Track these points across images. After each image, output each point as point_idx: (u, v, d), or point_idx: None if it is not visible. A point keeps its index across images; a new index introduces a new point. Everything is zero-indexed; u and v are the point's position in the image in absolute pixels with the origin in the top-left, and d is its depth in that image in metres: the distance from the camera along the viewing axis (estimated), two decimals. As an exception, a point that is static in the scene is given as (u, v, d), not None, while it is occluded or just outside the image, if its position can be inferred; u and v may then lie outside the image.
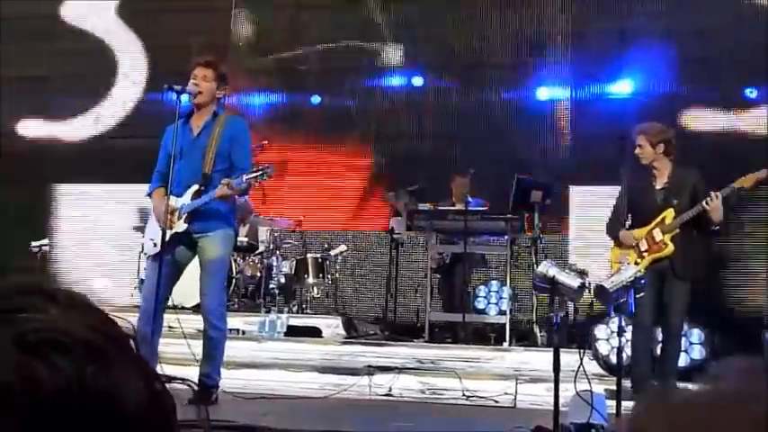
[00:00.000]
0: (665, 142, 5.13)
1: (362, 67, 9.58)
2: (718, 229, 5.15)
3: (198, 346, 4.69)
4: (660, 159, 5.15)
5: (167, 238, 4.52)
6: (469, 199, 7.61)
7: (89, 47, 10.01)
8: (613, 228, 5.30)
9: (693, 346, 5.90)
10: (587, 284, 3.85)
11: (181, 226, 4.56)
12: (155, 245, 4.58)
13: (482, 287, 8.12)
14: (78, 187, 9.92)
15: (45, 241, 8.58)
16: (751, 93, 8.46)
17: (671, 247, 5.02)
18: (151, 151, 4.99)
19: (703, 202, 4.93)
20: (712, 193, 4.94)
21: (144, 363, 0.61)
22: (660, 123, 5.45)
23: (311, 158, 9.52)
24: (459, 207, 7.51)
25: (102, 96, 10.00)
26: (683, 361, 5.56)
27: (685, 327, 6.16)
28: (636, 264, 4.89)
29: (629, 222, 5.29)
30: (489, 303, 8.05)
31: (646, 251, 5.07)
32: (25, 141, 9.97)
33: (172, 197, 4.59)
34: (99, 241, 9.57)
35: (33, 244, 8.41)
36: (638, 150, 5.17)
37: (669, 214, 5.07)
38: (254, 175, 4.42)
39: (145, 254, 4.81)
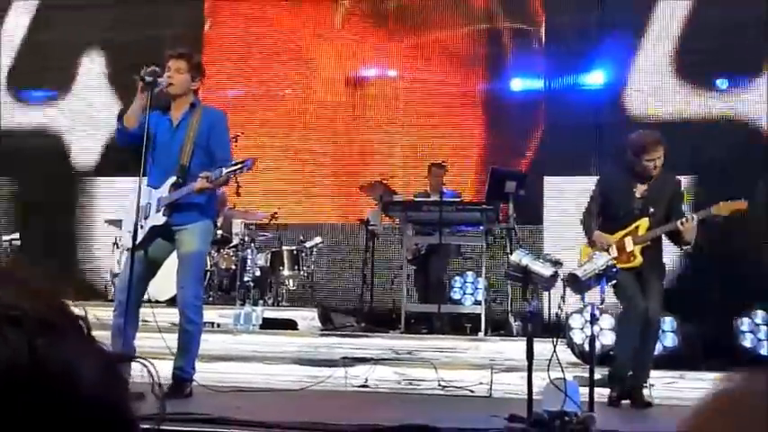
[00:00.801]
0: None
1: (332, 57, 9.56)
2: (689, 247, 5.20)
3: (172, 340, 4.66)
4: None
5: (146, 230, 4.49)
6: (444, 190, 7.67)
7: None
8: (588, 225, 5.25)
9: (666, 333, 5.96)
10: (560, 273, 3.87)
11: (159, 219, 4.52)
12: (132, 237, 4.54)
13: (457, 278, 8.16)
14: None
15: (15, 235, 8.47)
16: (722, 84, 8.55)
17: (639, 260, 5.04)
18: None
19: (678, 223, 4.93)
20: (688, 215, 4.96)
21: (95, 341, 0.61)
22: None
23: (285, 148, 9.49)
24: (434, 198, 7.54)
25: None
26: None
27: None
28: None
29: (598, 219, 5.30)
30: (465, 294, 8.10)
31: (614, 259, 4.97)
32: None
33: (150, 189, 4.55)
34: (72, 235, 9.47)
35: (3, 238, 8.30)
36: (659, 162, 5.05)
37: (643, 224, 5.07)
38: (233, 168, 4.40)
39: (121, 247, 4.76)
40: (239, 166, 4.39)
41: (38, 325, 0.57)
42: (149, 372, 0.69)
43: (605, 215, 5.22)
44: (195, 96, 4.75)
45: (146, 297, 6.25)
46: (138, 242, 4.46)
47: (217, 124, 4.67)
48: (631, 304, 5.03)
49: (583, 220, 5.32)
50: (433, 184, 7.87)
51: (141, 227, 4.51)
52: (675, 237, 5.07)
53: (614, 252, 5.02)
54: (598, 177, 5.53)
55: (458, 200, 7.53)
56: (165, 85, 4.54)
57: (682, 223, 4.90)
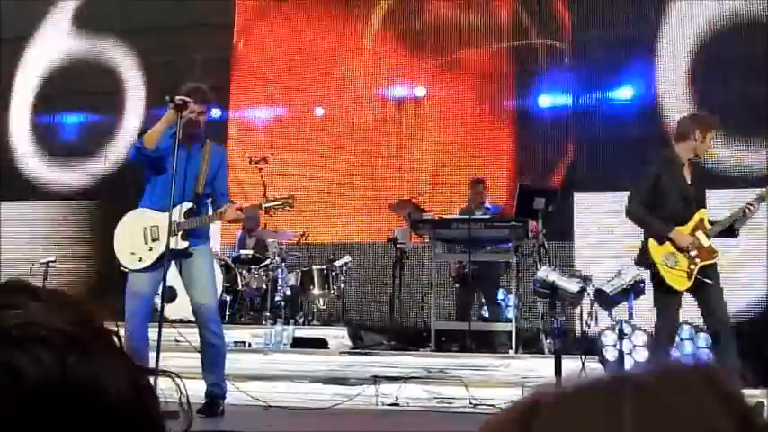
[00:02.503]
0: None
1: (361, 78, 9.64)
2: (738, 234, 5.00)
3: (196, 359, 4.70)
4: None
5: (160, 253, 4.55)
6: (488, 205, 7.65)
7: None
8: (648, 218, 4.84)
9: (701, 350, 5.89)
10: (588, 289, 3.83)
11: (181, 244, 4.60)
12: (140, 259, 4.60)
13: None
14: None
15: (52, 258, 8.62)
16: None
17: (718, 254, 4.80)
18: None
19: (746, 209, 4.79)
20: (753, 202, 4.80)
21: (127, 356, 0.63)
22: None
23: (315, 167, 9.57)
24: (477, 215, 7.55)
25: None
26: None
27: (692, 331, 6.16)
28: (690, 269, 4.70)
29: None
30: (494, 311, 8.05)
31: (697, 257, 4.74)
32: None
33: (155, 213, 4.62)
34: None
35: (40, 261, 8.46)
36: (712, 143, 4.95)
37: (704, 215, 4.85)
38: (273, 204, 4.58)
39: (123, 268, 4.78)
40: (279, 202, 4.59)
41: (67, 343, 0.58)
42: (177, 385, 0.71)
43: (656, 206, 4.85)
44: (204, 128, 4.87)
45: (177, 317, 6.38)
46: (150, 263, 4.55)
47: (224, 161, 4.90)
48: (664, 330, 4.80)
49: (638, 215, 4.90)
50: (475, 200, 7.87)
51: (151, 249, 4.58)
52: (730, 225, 4.87)
53: (694, 250, 4.75)
54: (650, 163, 5.12)
55: (486, 217, 7.50)
56: (189, 121, 4.60)
57: (749, 209, 4.75)
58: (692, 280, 4.73)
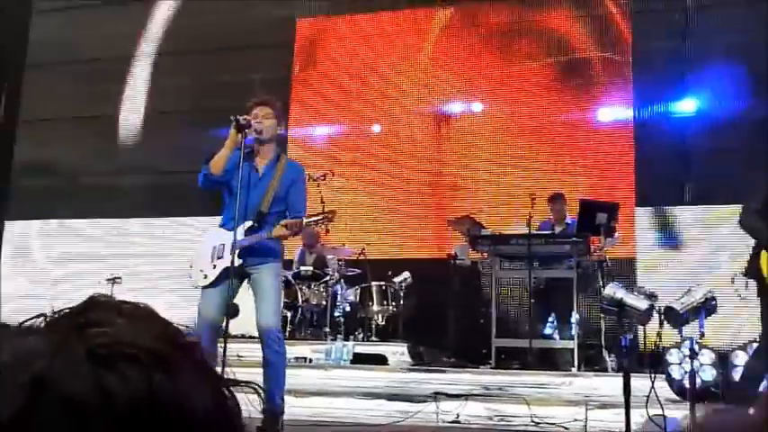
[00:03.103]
0: None
1: (419, 94, 9.67)
2: None
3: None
4: None
5: (220, 271, 4.62)
6: (569, 220, 7.59)
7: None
8: (763, 227, 4.48)
9: None
10: (656, 306, 3.75)
11: (236, 260, 4.66)
12: (205, 276, 4.68)
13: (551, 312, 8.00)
14: (146, 221, 10.27)
15: (118, 273, 8.82)
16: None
17: None
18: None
19: None
20: None
21: (209, 367, 0.63)
22: None
23: (374, 184, 9.61)
24: (558, 230, 7.51)
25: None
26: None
27: None
28: None
29: None
30: (557, 329, 7.94)
31: None
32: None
33: (220, 231, 4.71)
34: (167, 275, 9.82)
35: (106, 277, 8.67)
36: None
37: None
38: (314, 219, 4.56)
39: (193, 284, 4.87)
40: (319, 218, 4.56)
41: (153, 360, 0.59)
42: (261, 398, 0.72)
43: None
44: (279, 145, 4.91)
45: (240, 332, 6.45)
46: (211, 282, 4.61)
47: (298, 179, 4.84)
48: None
49: (750, 224, 4.57)
50: (555, 216, 7.82)
51: (215, 266, 4.65)
52: None
53: None
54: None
55: (545, 233, 7.42)
56: (257, 131, 4.68)
57: None
58: None
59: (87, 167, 10.74)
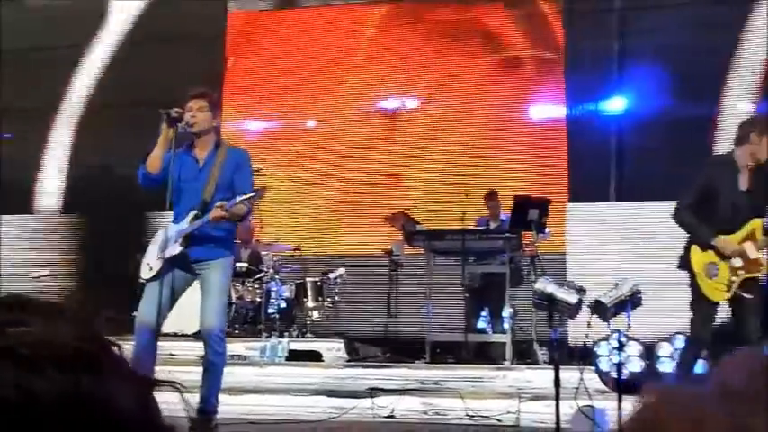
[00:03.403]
0: None
1: (355, 90, 9.68)
2: None
3: (195, 373, 4.68)
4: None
5: (163, 261, 4.55)
6: (503, 217, 7.72)
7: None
8: (694, 224, 4.60)
9: None
10: (585, 300, 3.85)
11: (175, 249, 4.59)
12: (150, 269, 4.61)
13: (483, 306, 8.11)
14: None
15: (45, 271, 8.58)
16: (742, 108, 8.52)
17: (765, 268, 4.51)
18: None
19: None
20: None
21: (130, 368, 0.62)
22: None
23: (310, 180, 9.57)
24: (492, 226, 7.63)
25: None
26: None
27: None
28: (731, 281, 4.48)
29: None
30: (490, 323, 8.05)
31: (740, 269, 4.49)
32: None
33: (171, 225, 4.64)
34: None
35: (34, 274, 8.42)
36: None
37: (758, 225, 4.53)
38: (247, 196, 4.45)
39: (141, 279, 4.81)
40: (251, 194, 4.47)
41: (78, 361, 0.58)
42: (182, 398, 0.71)
43: (706, 212, 4.60)
44: (218, 135, 4.84)
45: (172, 330, 6.35)
46: (154, 274, 4.53)
47: (242, 164, 4.76)
48: (697, 339, 4.63)
49: (684, 220, 4.66)
50: (490, 213, 7.93)
51: (159, 258, 4.58)
52: None
53: (739, 261, 4.50)
54: (704, 167, 4.88)
55: (480, 228, 7.54)
56: (189, 124, 4.62)
57: None
58: (731, 292, 4.52)
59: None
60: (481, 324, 7.83)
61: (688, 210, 4.64)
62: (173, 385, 0.65)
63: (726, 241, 4.52)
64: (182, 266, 4.64)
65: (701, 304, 4.57)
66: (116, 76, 10.21)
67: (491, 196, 7.97)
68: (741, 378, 0.59)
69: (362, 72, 9.70)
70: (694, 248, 4.61)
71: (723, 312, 4.74)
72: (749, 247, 4.50)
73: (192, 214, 4.61)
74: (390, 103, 9.64)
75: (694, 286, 4.59)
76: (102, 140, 9.96)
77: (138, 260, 4.84)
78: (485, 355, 7.29)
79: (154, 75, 9.75)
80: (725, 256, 4.52)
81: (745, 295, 4.47)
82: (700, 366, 5.46)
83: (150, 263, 4.64)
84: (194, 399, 4.52)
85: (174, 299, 4.70)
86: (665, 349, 5.83)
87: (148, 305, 4.50)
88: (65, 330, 0.60)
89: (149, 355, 4.48)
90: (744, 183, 4.61)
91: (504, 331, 7.20)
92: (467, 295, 7.55)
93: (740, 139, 4.62)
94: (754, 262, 4.50)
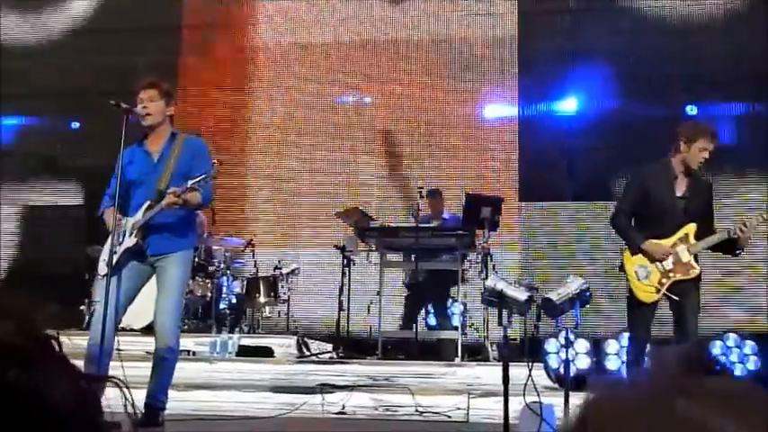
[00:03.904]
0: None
1: (311, 84, 9.64)
2: (742, 252, 4.80)
3: (143, 369, 4.61)
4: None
5: (119, 254, 4.46)
6: (446, 215, 7.75)
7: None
8: (627, 229, 4.78)
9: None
10: (535, 298, 3.90)
11: (131, 241, 4.50)
12: (107, 264, 4.50)
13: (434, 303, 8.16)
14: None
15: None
16: (691, 110, 8.72)
17: (697, 270, 4.67)
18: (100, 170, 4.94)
19: (738, 228, 4.58)
20: (748, 221, 4.62)
21: (68, 362, 0.61)
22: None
23: (262, 175, 9.51)
24: (434, 223, 7.63)
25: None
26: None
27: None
28: (661, 283, 4.62)
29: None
30: (442, 319, 8.10)
31: (671, 271, 4.64)
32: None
33: (128, 219, 4.54)
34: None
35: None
36: (706, 155, 4.65)
37: (691, 230, 4.67)
38: (198, 179, 4.35)
39: (98, 274, 4.70)
40: (202, 176, 4.36)
41: (10, 355, 0.57)
42: (124, 394, 0.69)
43: (642, 216, 4.78)
44: (172, 125, 4.74)
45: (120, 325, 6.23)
46: (112, 267, 4.42)
47: (199, 153, 4.66)
48: (636, 339, 4.78)
49: (618, 225, 4.83)
50: (432, 211, 7.96)
51: (115, 252, 4.47)
52: (728, 243, 4.66)
53: (669, 265, 4.64)
54: (634, 173, 5.02)
55: (432, 225, 7.58)
56: (141, 115, 4.54)
57: (741, 229, 4.55)
58: (660, 294, 4.65)
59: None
60: (432, 321, 7.88)
61: (622, 215, 4.81)
62: (114, 382, 0.64)
63: (653, 245, 4.67)
64: (140, 260, 4.55)
65: (635, 305, 4.73)
66: (67, 64, 10.00)
67: (433, 194, 8.03)
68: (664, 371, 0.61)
69: (319, 66, 9.66)
70: (626, 253, 4.78)
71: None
72: (681, 251, 4.65)
73: (146, 205, 4.52)
74: (347, 99, 9.62)
75: (628, 290, 4.77)
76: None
77: (90, 254, 4.74)
78: (435, 351, 7.32)
79: (107, 64, 9.59)
80: (654, 260, 4.67)
81: (673, 297, 4.63)
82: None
83: (106, 258, 4.52)
84: (141, 394, 4.46)
85: (132, 294, 4.61)
86: (612, 346, 5.94)
87: (106, 301, 4.39)
88: (0, 325, 0.58)
89: (106, 351, 4.38)
90: (680, 188, 4.74)
91: (455, 328, 7.24)
92: (419, 292, 7.59)
93: (675, 147, 4.75)
94: (685, 265, 4.65)
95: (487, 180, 8.94)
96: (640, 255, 4.70)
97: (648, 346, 4.71)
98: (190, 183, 4.31)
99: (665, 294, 4.66)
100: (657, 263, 4.65)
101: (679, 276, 4.65)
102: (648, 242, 4.68)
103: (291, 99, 9.65)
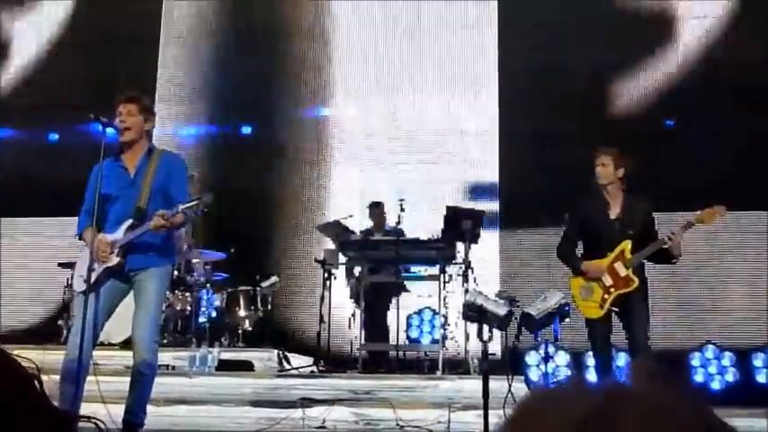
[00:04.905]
0: (625, 168, 5.12)
1: (294, 97, 9.65)
2: (676, 261, 5.14)
3: (121, 384, 4.56)
4: (616, 185, 5.11)
5: (99, 272, 4.42)
6: (387, 227, 7.77)
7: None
8: (569, 256, 5.21)
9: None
10: (515, 311, 3.91)
11: (113, 260, 4.46)
12: (85, 281, 4.45)
13: (415, 316, 8.16)
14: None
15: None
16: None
17: (637, 282, 4.98)
18: (76, 183, 4.90)
19: (666, 238, 4.93)
20: (674, 231, 4.95)
21: (47, 401, 0.61)
22: None
23: (241, 188, 9.47)
24: (377, 236, 7.63)
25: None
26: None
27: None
28: (603, 299, 4.95)
29: (579, 251, 5.26)
30: (423, 332, 8.10)
31: (612, 287, 4.99)
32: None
33: (105, 234, 4.50)
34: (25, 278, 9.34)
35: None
36: (599, 169, 5.08)
37: (627, 246, 5.01)
38: (189, 204, 4.35)
39: (73, 291, 4.66)
40: (195, 202, 4.36)
41: None
42: (100, 430, 0.69)
43: (584, 244, 5.22)
44: (150, 140, 4.72)
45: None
46: (91, 284, 4.38)
47: (175, 169, 4.65)
48: (595, 353, 5.08)
49: (561, 253, 5.26)
50: (375, 222, 7.99)
51: (94, 269, 4.43)
52: (662, 254, 5.03)
53: (609, 280, 4.98)
54: (573, 206, 5.40)
55: (405, 238, 7.54)
56: (120, 130, 4.51)
57: (670, 238, 4.90)
58: (605, 309, 4.98)
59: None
60: (414, 334, 7.88)
61: (565, 243, 5.25)
62: (91, 420, 0.64)
63: (590, 265, 5.05)
64: (117, 276, 4.51)
65: (588, 323, 5.07)
66: (45, 78, 9.94)
67: (377, 206, 8.05)
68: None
69: (301, 77, 9.66)
70: (572, 276, 5.15)
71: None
72: (619, 267, 5.00)
73: (127, 223, 4.49)
74: (324, 110, 9.64)
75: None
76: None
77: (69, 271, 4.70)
78: (416, 364, 7.32)
79: (85, 76, 9.54)
80: (592, 279, 5.02)
81: (614, 309, 4.98)
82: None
83: (83, 274, 4.48)
84: (119, 409, 4.41)
85: (110, 310, 4.57)
86: (592, 359, 5.97)
87: (84, 318, 4.35)
88: None
89: (83, 368, 4.34)
90: (614, 211, 5.11)
91: (435, 341, 7.24)
92: (399, 305, 7.58)
93: (591, 158, 5.18)
94: (623, 279, 4.98)
95: (466, 192, 8.97)
96: (581, 277, 5.07)
97: (606, 360, 5.05)
98: (181, 207, 4.30)
99: (610, 308, 4.98)
100: (598, 281, 5.01)
101: (620, 290, 4.97)
102: (585, 263, 5.07)
103: (272, 109, 9.64)
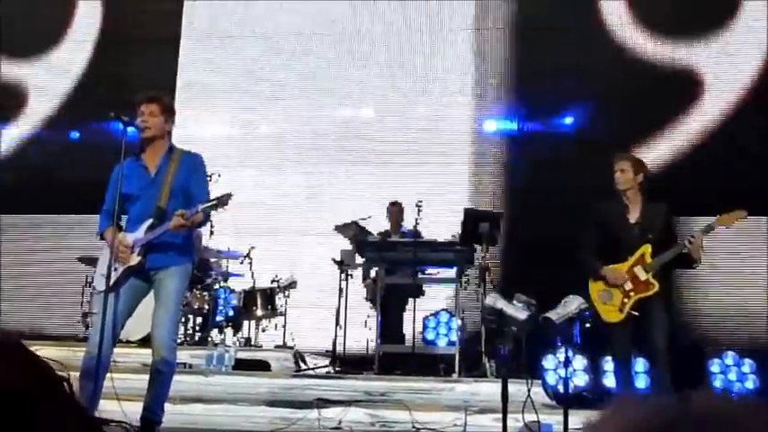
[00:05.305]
0: (644, 174, 5.14)
1: (310, 97, 9.66)
2: (698, 265, 5.10)
3: (138, 381, 4.59)
4: (635, 190, 5.12)
5: (120, 272, 4.44)
6: (404, 229, 7.75)
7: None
8: (589, 260, 5.17)
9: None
10: (534, 315, 3.89)
11: (134, 259, 4.49)
12: (106, 280, 4.48)
13: (431, 318, 8.13)
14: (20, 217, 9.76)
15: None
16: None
17: (657, 287, 4.96)
18: (96, 181, 4.93)
19: (685, 242, 4.92)
20: (695, 234, 4.94)
21: (76, 403, 0.60)
22: None
23: (261, 187, 9.49)
24: (395, 237, 7.61)
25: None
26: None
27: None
28: (623, 302, 4.95)
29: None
30: (439, 334, 8.07)
31: (632, 291, 4.99)
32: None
33: (126, 233, 4.53)
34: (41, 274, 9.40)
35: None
36: (618, 174, 5.11)
37: (647, 250, 5.01)
38: (209, 204, 4.37)
39: (94, 289, 4.69)
40: (214, 201, 4.38)
41: (9, 399, 0.56)
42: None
43: (603, 247, 5.16)
44: (170, 140, 4.74)
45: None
46: (111, 284, 4.41)
47: (196, 168, 4.67)
48: (615, 358, 5.09)
49: (579, 258, 5.22)
50: (391, 221, 7.97)
51: (115, 269, 4.46)
52: (683, 258, 5.00)
53: (629, 285, 4.98)
54: (592, 210, 5.37)
55: (422, 239, 7.51)
56: (141, 130, 4.54)
57: (690, 242, 4.89)
58: (624, 313, 4.97)
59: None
60: (430, 336, 7.85)
61: (583, 249, 5.20)
62: (121, 425, 0.63)
63: (611, 270, 5.04)
64: (137, 275, 4.54)
65: (610, 327, 5.05)
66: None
67: (393, 205, 8.03)
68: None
69: (315, 80, 9.67)
70: (590, 280, 5.13)
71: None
72: (639, 271, 5.00)
73: (147, 223, 4.51)
74: (345, 111, 9.64)
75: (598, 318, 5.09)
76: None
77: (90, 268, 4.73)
78: (432, 366, 7.28)
79: (108, 77, 9.61)
80: (612, 284, 5.02)
81: (635, 313, 4.95)
82: (641, 381, 5.70)
83: (104, 273, 4.51)
84: (137, 407, 4.43)
85: (130, 309, 4.60)
86: (609, 364, 5.93)
87: (105, 317, 4.37)
88: (9, 372, 0.58)
89: (102, 366, 4.36)
90: (633, 215, 5.12)
91: (452, 343, 7.21)
92: (416, 306, 7.57)
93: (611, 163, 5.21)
94: (643, 283, 4.97)
95: (486, 194, 8.94)
96: (601, 281, 5.08)
97: (627, 363, 5.05)
98: (200, 207, 4.32)
99: (630, 312, 4.95)
100: (618, 286, 5.01)
101: (639, 294, 4.96)
102: (606, 268, 5.06)
103: (288, 110, 9.66)
